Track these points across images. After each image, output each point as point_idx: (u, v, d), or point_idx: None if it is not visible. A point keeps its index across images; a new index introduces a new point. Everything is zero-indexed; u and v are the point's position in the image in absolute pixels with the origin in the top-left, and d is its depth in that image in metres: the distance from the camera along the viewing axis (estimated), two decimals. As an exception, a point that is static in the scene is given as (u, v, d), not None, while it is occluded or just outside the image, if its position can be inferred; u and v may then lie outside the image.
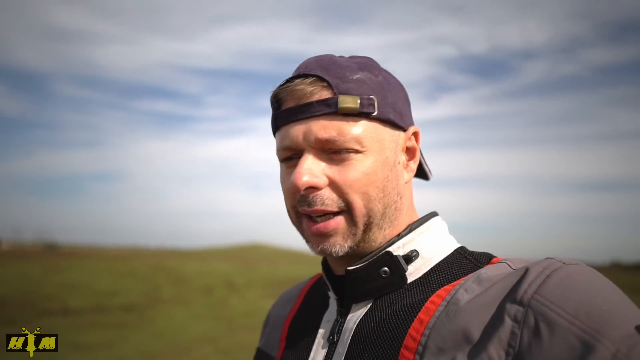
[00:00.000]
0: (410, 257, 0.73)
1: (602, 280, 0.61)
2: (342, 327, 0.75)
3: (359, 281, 0.73)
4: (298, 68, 0.75)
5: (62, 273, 18.30)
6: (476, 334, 0.60)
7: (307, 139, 0.71)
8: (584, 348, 0.53)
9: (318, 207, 0.70)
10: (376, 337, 0.69)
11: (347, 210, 0.71)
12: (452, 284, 0.69)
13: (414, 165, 0.79)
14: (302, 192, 0.71)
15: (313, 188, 0.70)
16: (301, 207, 0.72)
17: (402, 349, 0.65)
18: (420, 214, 0.80)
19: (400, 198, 0.76)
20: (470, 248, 0.78)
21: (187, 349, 8.49)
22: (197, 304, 14.31)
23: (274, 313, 0.97)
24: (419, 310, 0.67)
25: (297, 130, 0.71)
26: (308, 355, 0.77)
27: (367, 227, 0.72)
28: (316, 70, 0.72)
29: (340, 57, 0.77)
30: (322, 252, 0.73)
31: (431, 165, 0.87)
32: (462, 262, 0.73)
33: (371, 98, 0.71)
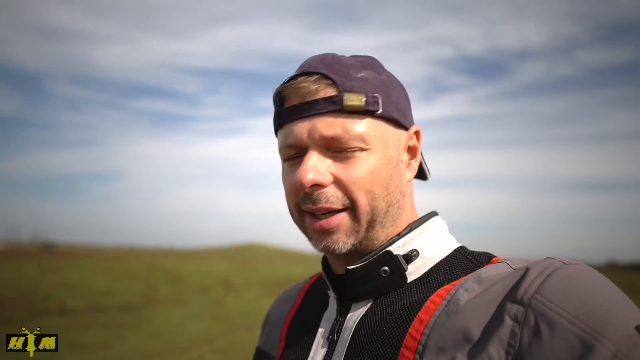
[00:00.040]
0: (410, 257, 0.73)
1: (602, 280, 0.61)
2: (342, 326, 0.74)
3: (359, 280, 0.73)
4: (301, 66, 0.75)
5: (58, 273, 18.24)
6: (476, 333, 0.60)
7: (312, 136, 0.71)
8: (584, 348, 0.53)
9: (323, 204, 0.70)
10: (376, 337, 0.69)
11: (351, 207, 0.71)
12: (452, 283, 0.69)
13: (415, 164, 0.79)
14: (307, 190, 0.71)
15: (318, 185, 0.70)
16: (305, 204, 0.72)
17: (402, 348, 0.65)
18: (419, 214, 0.81)
19: (403, 196, 0.76)
20: (468, 248, 0.78)
21: (184, 348, 8.48)
22: (194, 303, 14.30)
23: (273, 312, 0.97)
24: (419, 310, 0.67)
25: (302, 128, 0.71)
26: (308, 354, 0.77)
27: (371, 225, 0.72)
28: (320, 68, 0.72)
29: (342, 56, 0.77)
30: (325, 249, 0.72)
31: (428, 166, 0.88)
32: (462, 261, 0.73)
33: (376, 96, 0.72)
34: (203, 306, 13.88)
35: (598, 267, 0.66)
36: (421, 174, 0.87)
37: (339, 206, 0.71)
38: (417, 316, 0.67)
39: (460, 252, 0.76)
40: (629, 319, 0.55)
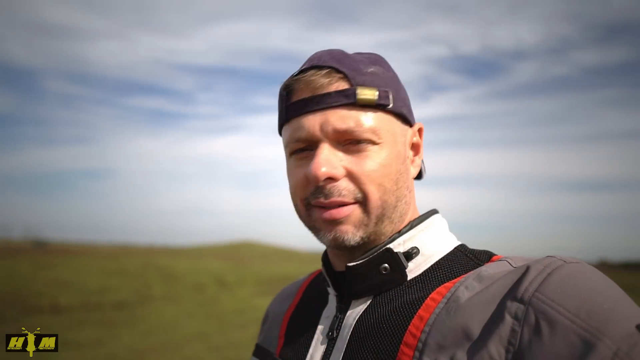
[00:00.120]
0: (410, 254, 0.73)
1: (603, 279, 0.61)
2: (342, 323, 0.75)
3: (359, 277, 0.74)
4: (309, 60, 0.75)
5: (51, 270, 18.12)
6: (476, 331, 0.60)
7: (325, 129, 0.70)
8: (585, 346, 0.54)
9: (335, 198, 0.70)
10: (376, 334, 0.69)
11: (362, 201, 0.71)
12: (453, 281, 0.69)
13: (419, 161, 0.80)
14: (320, 183, 0.70)
15: (331, 179, 0.70)
16: (315, 199, 0.72)
17: (401, 346, 0.65)
18: (419, 212, 0.81)
19: (410, 192, 0.77)
20: (468, 246, 0.78)
21: (178, 346, 8.47)
22: (189, 301, 14.27)
23: (272, 309, 0.97)
24: (419, 307, 0.67)
25: (313, 121, 0.71)
26: (307, 351, 0.77)
27: (380, 219, 0.72)
28: (330, 62, 0.72)
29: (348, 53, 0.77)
30: (333, 240, 0.72)
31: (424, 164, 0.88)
32: (463, 259, 0.73)
33: (387, 91, 0.72)
34: (197, 304, 13.86)
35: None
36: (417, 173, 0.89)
37: (350, 200, 0.70)
38: (417, 314, 0.67)
39: (461, 250, 0.76)
40: (629, 318, 0.56)
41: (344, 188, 0.70)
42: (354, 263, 0.74)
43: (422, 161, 0.86)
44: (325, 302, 0.82)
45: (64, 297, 13.46)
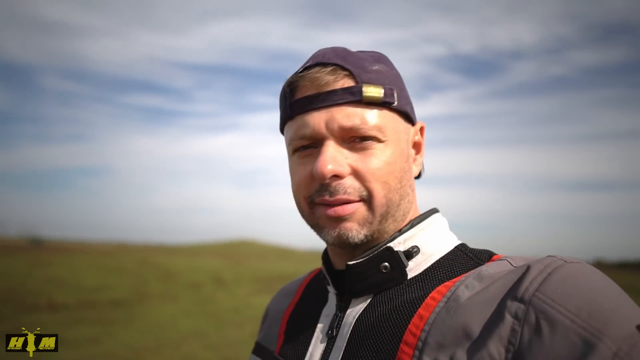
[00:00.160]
0: (411, 253, 0.73)
1: (603, 279, 0.61)
2: (341, 321, 0.74)
3: (359, 276, 0.73)
4: (313, 57, 0.75)
5: (47, 268, 18.06)
6: (476, 330, 0.60)
7: (330, 127, 0.70)
8: (585, 346, 0.53)
9: (340, 196, 0.70)
10: (375, 332, 0.69)
11: (367, 199, 0.71)
12: (453, 280, 0.68)
13: (420, 160, 0.80)
14: (326, 181, 0.70)
15: (337, 177, 0.70)
16: (320, 196, 0.71)
17: (401, 344, 0.65)
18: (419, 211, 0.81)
19: (412, 191, 0.77)
20: (468, 245, 0.78)
21: (175, 344, 8.46)
22: (185, 299, 14.24)
23: (272, 307, 0.97)
24: (419, 306, 0.67)
25: (318, 118, 0.70)
26: (306, 349, 0.77)
27: (384, 217, 0.72)
28: (335, 59, 0.72)
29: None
30: (338, 237, 0.71)
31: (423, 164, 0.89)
32: (463, 259, 0.73)
33: (392, 89, 0.72)
34: (194, 302, 13.84)
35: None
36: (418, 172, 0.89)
37: (355, 198, 0.70)
38: (417, 312, 0.67)
39: (461, 249, 0.76)
40: (630, 318, 0.56)
41: (349, 186, 0.70)
42: (354, 261, 0.73)
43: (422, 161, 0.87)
44: (325, 301, 0.82)
45: (60, 295, 13.42)
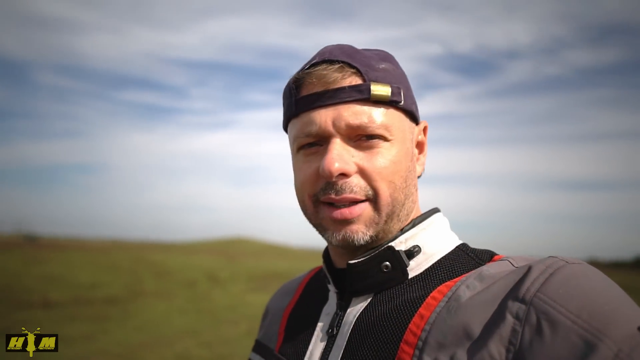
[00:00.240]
0: (412, 253, 0.73)
1: (604, 280, 0.61)
2: (342, 320, 0.74)
3: (360, 275, 0.73)
4: (320, 54, 0.74)
5: (42, 265, 17.98)
6: (477, 330, 0.60)
7: (337, 124, 0.70)
8: (586, 347, 0.54)
9: (347, 194, 0.69)
10: (376, 331, 0.69)
11: (373, 198, 0.71)
12: (454, 280, 0.69)
13: (423, 159, 0.81)
14: (333, 179, 0.69)
15: (343, 175, 0.69)
16: (326, 195, 0.71)
17: (402, 344, 0.65)
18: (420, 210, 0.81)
19: (416, 190, 0.77)
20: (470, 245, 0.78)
21: (170, 342, 8.46)
22: (180, 297, 14.22)
23: (272, 305, 0.96)
24: (420, 306, 0.67)
25: (325, 116, 0.70)
26: (307, 348, 0.77)
27: (389, 217, 0.72)
28: (342, 56, 0.71)
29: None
30: (343, 240, 0.71)
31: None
32: (464, 258, 0.73)
33: (399, 87, 0.72)
34: (189, 300, 13.82)
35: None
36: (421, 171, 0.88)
37: (362, 197, 0.70)
38: (418, 312, 0.67)
39: (462, 249, 0.76)
40: (631, 319, 0.56)
41: (356, 184, 0.70)
42: (355, 260, 0.73)
43: None
44: (325, 299, 0.82)
45: (55, 292, 13.37)
